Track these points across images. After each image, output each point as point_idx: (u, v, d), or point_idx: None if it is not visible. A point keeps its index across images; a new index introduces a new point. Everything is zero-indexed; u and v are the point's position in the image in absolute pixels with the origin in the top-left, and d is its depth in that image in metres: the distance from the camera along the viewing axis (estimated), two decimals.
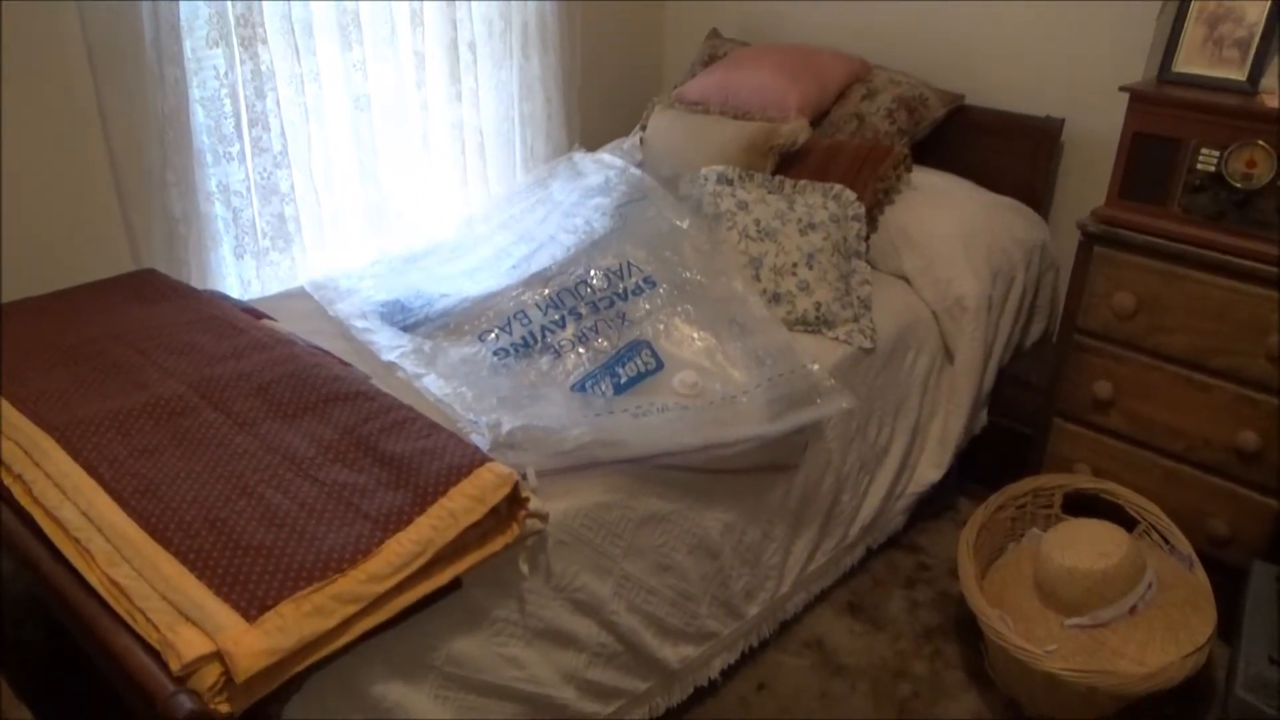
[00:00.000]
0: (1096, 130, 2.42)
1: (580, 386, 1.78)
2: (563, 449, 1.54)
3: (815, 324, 2.10)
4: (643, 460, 1.65)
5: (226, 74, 2.17)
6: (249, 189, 2.27)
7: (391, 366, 1.81)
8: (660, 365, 1.86)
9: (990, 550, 2.13)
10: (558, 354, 1.86)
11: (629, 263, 2.03)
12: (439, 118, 2.63)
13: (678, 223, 2.13)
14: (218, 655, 1.09)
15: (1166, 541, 2.04)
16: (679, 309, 1.98)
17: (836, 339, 2.10)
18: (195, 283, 2.25)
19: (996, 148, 2.55)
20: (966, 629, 2.11)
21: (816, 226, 2.19)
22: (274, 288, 2.37)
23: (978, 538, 2.07)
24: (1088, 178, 2.48)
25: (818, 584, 2.16)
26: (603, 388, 1.78)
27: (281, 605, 1.16)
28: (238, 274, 2.36)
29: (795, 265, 2.12)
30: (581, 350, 1.87)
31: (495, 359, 1.84)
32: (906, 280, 2.33)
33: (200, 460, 1.42)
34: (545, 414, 1.64)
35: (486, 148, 2.76)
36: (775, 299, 2.10)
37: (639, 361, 1.85)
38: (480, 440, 1.51)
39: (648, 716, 1.80)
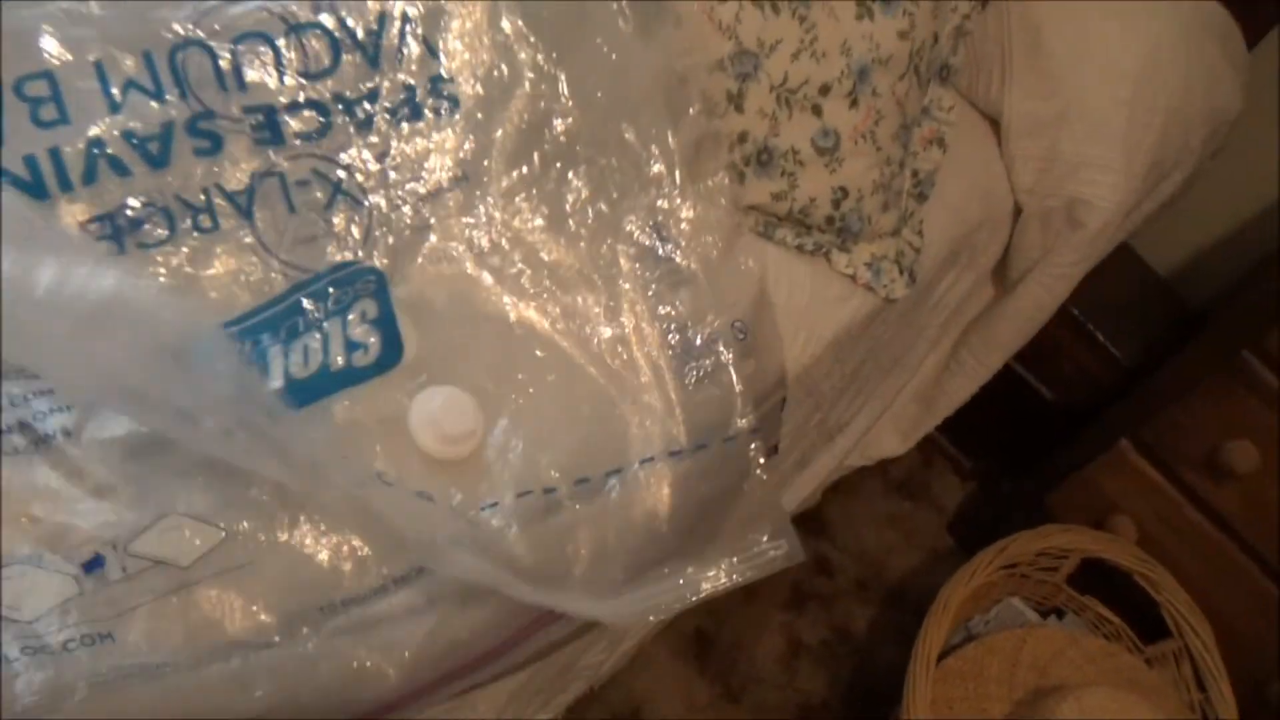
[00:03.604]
0: None
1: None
2: None
3: (822, 233, 1.00)
4: None
5: None
6: None
7: None
8: (395, 353, 0.69)
9: (946, 622, 1.31)
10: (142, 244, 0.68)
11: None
12: None
13: None
14: None
15: (1202, 687, 1.30)
16: (510, 170, 0.78)
17: (851, 274, 1.01)
18: None
19: None
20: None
21: (893, 1, 0.98)
22: None
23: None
24: None
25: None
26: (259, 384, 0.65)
27: None
28: None
29: (827, 89, 0.95)
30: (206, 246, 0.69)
31: None
32: (995, 130, 1.20)
33: None
34: None
35: None
36: (761, 163, 0.95)
37: (337, 331, 0.68)
38: None
39: None
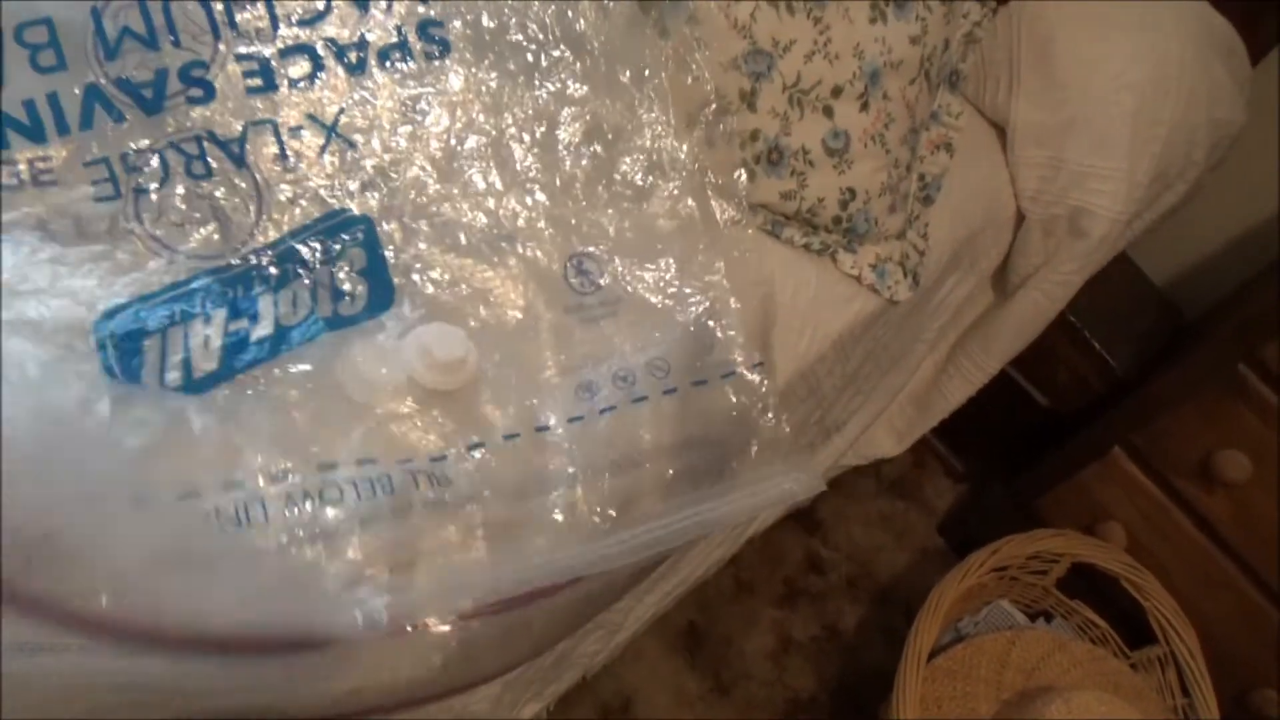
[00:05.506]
0: None
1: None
2: None
3: (829, 233, 1.00)
4: None
5: None
6: None
7: None
8: (385, 299, 0.70)
9: (937, 623, 1.32)
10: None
11: None
12: None
13: None
14: None
15: (1186, 693, 1.32)
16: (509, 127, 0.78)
17: (856, 275, 1.02)
18: None
19: None
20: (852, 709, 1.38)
21: (906, 5, 0.98)
22: None
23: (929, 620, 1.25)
24: None
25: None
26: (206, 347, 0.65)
27: None
28: None
29: (839, 90, 0.95)
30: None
31: None
32: (1001, 137, 1.21)
33: None
34: None
35: None
36: (771, 162, 0.96)
37: (325, 279, 0.69)
38: None
39: None
